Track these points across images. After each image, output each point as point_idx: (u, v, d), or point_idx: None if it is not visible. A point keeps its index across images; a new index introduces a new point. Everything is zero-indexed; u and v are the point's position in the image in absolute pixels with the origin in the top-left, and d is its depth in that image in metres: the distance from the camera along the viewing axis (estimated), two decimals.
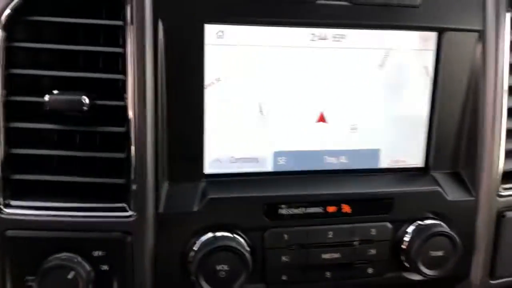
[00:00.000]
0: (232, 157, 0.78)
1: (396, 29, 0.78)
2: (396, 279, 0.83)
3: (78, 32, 0.72)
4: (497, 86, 0.82)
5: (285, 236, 0.77)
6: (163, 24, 0.70)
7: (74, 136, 0.73)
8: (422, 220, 0.82)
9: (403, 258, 0.82)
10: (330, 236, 0.79)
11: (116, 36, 0.71)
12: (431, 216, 0.82)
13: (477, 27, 0.81)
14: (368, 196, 0.80)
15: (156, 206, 0.73)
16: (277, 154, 0.80)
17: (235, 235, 0.75)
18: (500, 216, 0.85)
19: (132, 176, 0.71)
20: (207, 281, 0.72)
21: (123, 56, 0.69)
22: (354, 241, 0.79)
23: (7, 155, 0.70)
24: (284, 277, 0.78)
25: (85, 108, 0.68)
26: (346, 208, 0.79)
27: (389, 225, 0.81)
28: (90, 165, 0.73)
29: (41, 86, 0.70)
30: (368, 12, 0.76)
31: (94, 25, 0.70)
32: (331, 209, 0.79)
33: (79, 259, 0.69)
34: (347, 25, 0.76)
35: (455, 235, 0.80)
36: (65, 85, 0.71)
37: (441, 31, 0.80)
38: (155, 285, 0.74)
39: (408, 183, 0.83)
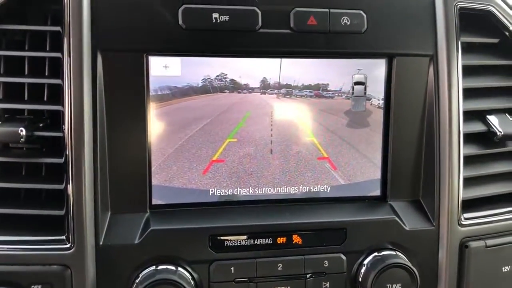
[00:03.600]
0: (178, 187, 0.77)
1: (342, 56, 0.78)
2: None
3: (22, 64, 0.73)
4: (451, 111, 0.80)
5: (232, 269, 0.74)
6: (102, 56, 0.71)
7: (15, 168, 0.73)
8: (378, 251, 0.78)
9: None
10: (280, 268, 0.76)
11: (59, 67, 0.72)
12: (389, 246, 0.79)
13: (428, 51, 0.80)
14: (320, 226, 0.77)
15: (97, 238, 0.71)
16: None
17: (178, 268, 0.73)
18: (463, 246, 0.81)
19: (70, 208, 0.70)
20: None
21: (62, 87, 0.70)
22: (306, 273, 0.76)
23: None
24: None
25: (22, 139, 0.68)
26: (296, 239, 0.77)
27: (343, 256, 0.78)
28: (31, 197, 0.73)
29: None
30: (312, 40, 0.76)
31: (36, 57, 0.72)
32: (281, 240, 0.76)
33: None
34: (290, 53, 0.76)
35: (412, 267, 0.76)
36: (11, 115, 0.72)
37: (390, 57, 0.79)
38: None
39: (363, 212, 0.80)
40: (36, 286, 0.69)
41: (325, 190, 0.81)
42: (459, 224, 0.81)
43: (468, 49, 0.83)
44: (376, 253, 0.78)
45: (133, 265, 0.72)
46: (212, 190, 0.78)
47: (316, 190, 0.80)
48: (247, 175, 0.78)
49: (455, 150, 0.80)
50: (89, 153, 0.70)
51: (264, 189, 0.79)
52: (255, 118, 0.78)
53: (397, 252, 0.78)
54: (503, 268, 0.83)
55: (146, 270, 0.72)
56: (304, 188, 0.80)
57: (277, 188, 0.79)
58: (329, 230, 0.77)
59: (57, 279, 0.70)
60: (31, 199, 0.73)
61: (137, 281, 0.71)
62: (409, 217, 0.81)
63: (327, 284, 0.77)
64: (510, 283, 0.83)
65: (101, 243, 0.71)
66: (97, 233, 0.71)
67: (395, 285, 0.76)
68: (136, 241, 0.72)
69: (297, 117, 0.79)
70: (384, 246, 0.79)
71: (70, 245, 0.70)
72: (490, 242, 0.81)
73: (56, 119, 0.73)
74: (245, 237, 0.75)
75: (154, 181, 0.76)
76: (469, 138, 0.83)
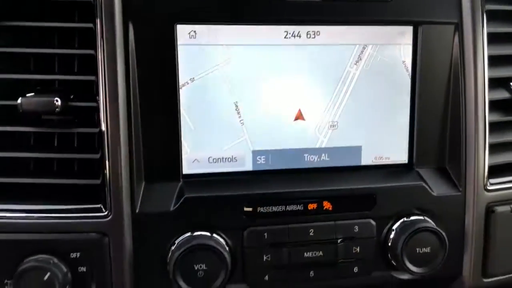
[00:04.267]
0: (210, 157, 0.78)
1: (369, 24, 0.79)
2: (385, 278, 0.81)
3: (53, 36, 0.73)
4: (477, 79, 0.81)
5: (265, 235, 0.76)
6: (134, 26, 0.71)
7: (50, 139, 0.74)
8: (407, 216, 0.80)
9: (389, 255, 0.80)
10: (312, 234, 0.77)
11: (92, 39, 0.73)
12: (417, 212, 0.81)
13: (453, 19, 0.81)
14: (350, 193, 0.78)
15: (133, 206, 0.73)
16: (256, 153, 0.79)
17: (213, 234, 0.74)
18: (489, 211, 0.82)
19: (107, 177, 0.71)
20: (185, 281, 0.71)
21: (95, 58, 0.71)
22: (337, 238, 0.78)
23: None
24: (266, 277, 0.77)
25: (57, 109, 0.69)
26: (327, 205, 0.78)
27: (372, 222, 0.79)
28: (66, 167, 0.74)
29: (18, 89, 0.71)
30: (340, 8, 0.76)
31: (68, 28, 0.72)
32: (312, 206, 0.77)
33: (55, 260, 0.69)
34: (318, 21, 0.77)
35: (441, 231, 0.78)
36: (42, 88, 0.73)
37: (416, 25, 0.80)
38: (135, 285, 0.73)
39: (391, 179, 0.81)
40: (74, 253, 0.71)
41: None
42: (485, 190, 0.82)
43: (493, 16, 0.84)
44: (404, 218, 0.80)
45: (168, 232, 0.73)
46: (243, 159, 0.79)
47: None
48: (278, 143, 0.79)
49: (481, 117, 0.81)
50: (124, 123, 0.71)
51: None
52: (285, 84, 0.79)
53: (425, 217, 0.80)
54: None
55: (182, 237, 0.73)
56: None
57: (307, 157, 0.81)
58: (359, 196, 0.78)
59: (95, 246, 0.71)
60: (63, 170, 0.74)
61: (173, 248, 0.73)
62: (436, 184, 0.82)
63: (357, 249, 0.79)
64: None
65: (137, 211, 0.73)
66: (133, 202, 0.72)
67: (424, 249, 0.78)
68: (171, 209, 0.73)
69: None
70: (412, 211, 0.80)
71: (107, 213, 0.71)
72: None
73: (86, 91, 0.73)
74: (277, 204, 0.76)
75: (186, 151, 0.77)
76: (494, 105, 0.84)
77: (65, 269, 0.70)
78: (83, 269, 0.71)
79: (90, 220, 0.71)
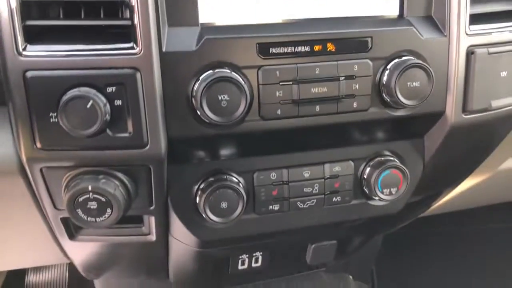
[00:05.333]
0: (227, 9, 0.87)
1: None
2: (380, 114, 0.93)
3: None
4: None
5: (277, 73, 0.86)
6: None
7: None
8: (399, 57, 0.91)
9: (384, 92, 0.91)
10: (317, 72, 0.88)
11: None
12: (408, 54, 0.92)
13: None
14: (350, 35, 0.89)
15: (160, 46, 0.81)
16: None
17: (232, 72, 0.83)
18: (470, 53, 0.94)
19: (136, 18, 0.79)
20: (211, 110, 0.82)
21: None
22: (339, 76, 0.89)
23: (21, 2, 0.77)
24: (278, 111, 0.87)
25: None
26: (330, 47, 0.88)
27: (369, 61, 0.90)
28: (91, 14, 0.81)
29: None
30: None
31: None
32: (317, 47, 0.87)
33: (95, 92, 0.78)
34: None
35: (429, 66, 0.89)
36: None
37: None
38: (165, 119, 0.83)
39: (385, 25, 0.92)
40: (111, 88, 0.79)
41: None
42: (466, 34, 0.93)
43: None
44: (397, 59, 0.91)
45: (193, 69, 0.82)
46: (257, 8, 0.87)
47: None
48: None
49: None
50: None
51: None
52: None
53: (415, 58, 0.91)
54: (501, 73, 0.97)
55: (205, 74, 0.83)
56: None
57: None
58: (357, 39, 0.89)
59: (129, 80, 0.80)
60: (91, 15, 0.81)
61: (197, 84, 0.82)
62: (424, 29, 0.93)
63: (357, 86, 0.90)
64: (505, 85, 0.98)
65: (164, 49, 0.81)
66: (160, 41, 0.81)
67: (414, 83, 0.90)
68: (194, 48, 0.82)
69: None
70: (403, 54, 0.91)
71: (139, 50, 0.79)
72: (492, 49, 0.95)
73: None
74: (287, 45, 0.86)
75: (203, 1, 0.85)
76: None
77: (104, 100, 0.79)
78: (119, 102, 0.80)
79: (124, 57, 0.79)
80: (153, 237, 1.04)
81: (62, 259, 1.23)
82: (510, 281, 2.24)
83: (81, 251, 1.19)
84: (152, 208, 0.95)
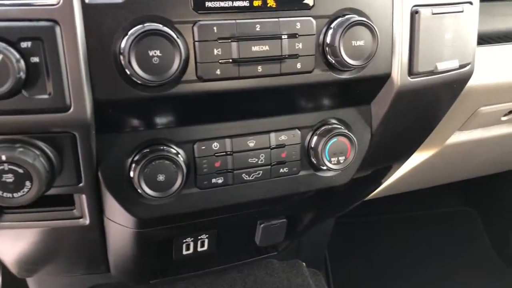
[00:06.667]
0: None
1: None
2: (325, 76, 0.89)
3: None
4: None
5: (215, 28, 0.80)
6: None
7: None
8: (342, 16, 0.87)
9: (328, 53, 0.87)
10: (258, 29, 0.82)
11: None
12: (351, 13, 0.88)
13: None
14: None
15: None
16: None
17: (164, 26, 0.76)
18: (414, 13, 0.91)
19: None
20: (141, 67, 0.74)
21: None
22: (281, 34, 0.83)
23: None
24: (218, 71, 0.81)
25: None
26: (271, 2, 0.83)
27: (312, 20, 0.85)
28: None
29: None
30: None
31: None
32: (257, 3, 0.82)
33: (5, 45, 0.69)
34: None
35: (373, 24, 0.86)
36: None
37: None
38: (91, 82, 0.75)
39: None
40: (25, 42, 0.70)
41: None
42: None
43: None
44: (340, 18, 0.86)
45: (120, 23, 0.75)
46: None
47: None
48: None
49: None
50: None
51: None
52: None
53: (359, 16, 0.87)
54: (445, 35, 0.95)
55: (134, 29, 0.75)
56: None
57: None
58: None
59: (47, 34, 0.71)
60: None
61: (125, 38, 0.75)
62: None
63: (300, 46, 0.85)
64: (450, 48, 0.96)
65: (86, 0, 0.73)
66: None
67: (358, 42, 0.86)
68: (121, 0, 0.74)
69: None
70: (347, 13, 0.87)
71: (57, 0, 0.71)
72: (435, 10, 0.93)
73: None
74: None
75: None
76: None
77: (17, 55, 0.69)
78: (36, 59, 0.71)
79: (40, 7, 0.70)
80: (86, 220, 0.95)
81: None
82: (456, 265, 2.29)
83: (6, 243, 1.08)
84: (81, 185, 0.86)
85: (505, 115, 1.38)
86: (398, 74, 0.93)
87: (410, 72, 0.94)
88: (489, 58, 1.22)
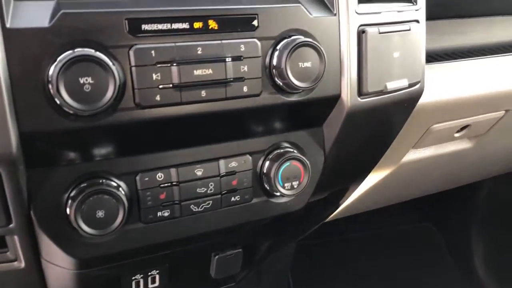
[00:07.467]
0: None
1: None
2: (273, 99, 0.85)
3: None
4: None
5: (152, 53, 0.75)
6: None
7: None
8: (289, 37, 0.84)
9: (275, 76, 0.83)
10: (200, 52, 0.78)
11: None
12: (297, 34, 0.85)
13: None
14: (234, 12, 0.80)
15: (2, 21, 0.67)
16: None
17: (97, 51, 0.71)
18: (361, 32, 0.90)
19: None
20: (71, 96, 0.68)
21: None
22: (225, 57, 0.79)
23: None
24: (158, 98, 0.76)
25: None
26: (212, 24, 0.79)
27: (257, 41, 0.82)
28: None
29: None
30: None
31: None
32: (198, 25, 0.78)
33: None
34: None
35: (319, 45, 0.83)
36: None
37: None
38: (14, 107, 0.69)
39: (272, 2, 0.84)
40: None
41: None
42: (356, 13, 0.89)
43: None
44: (286, 39, 0.84)
45: (47, 49, 0.69)
46: None
47: None
48: None
49: None
50: None
51: None
52: None
53: (304, 37, 0.85)
54: (393, 54, 0.94)
55: (63, 55, 0.69)
56: None
57: None
58: (242, 16, 0.80)
59: None
60: None
61: (53, 66, 0.69)
62: (313, 8, 0.87)
63: (245, 68, 0.81)
64: (399, 66, 0.95)
65: (8, 25, 0.67)
66: (1, 15, 0.66)
67: (306, 63, 0.83)
68: (48, 24, 0.69)
69: None
70: (293, 34, 0.85)
71: None
72: (382, 29, 0.92)
73: None
74: (162, 22, 0.75)
75: None
76: None
77: None
78: None
79: None
80: (21, 263, 0.87)
81: None
82: (420, 282, 2.29)
83: None
84: (12, 225, 0.78)
85: (457, 132, 1.39)
86: (348, 95, 0.91)
87: (360, 93, 0.92)
88: (439, 75, 1.23)
